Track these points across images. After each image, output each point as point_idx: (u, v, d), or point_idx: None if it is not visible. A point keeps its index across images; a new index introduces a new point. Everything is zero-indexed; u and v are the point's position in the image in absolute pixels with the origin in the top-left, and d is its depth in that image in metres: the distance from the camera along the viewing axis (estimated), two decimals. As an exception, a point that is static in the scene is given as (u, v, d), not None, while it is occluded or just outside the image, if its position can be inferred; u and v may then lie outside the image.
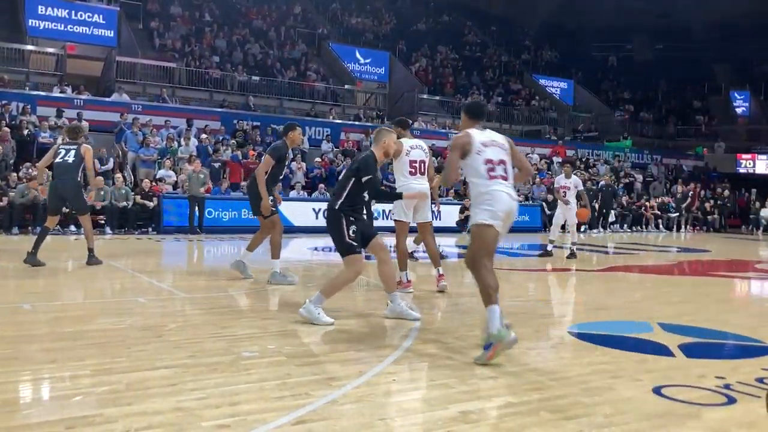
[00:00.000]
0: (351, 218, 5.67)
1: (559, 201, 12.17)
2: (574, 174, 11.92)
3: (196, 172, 15.94)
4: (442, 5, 39.61)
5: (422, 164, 7.41)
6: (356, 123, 25.09)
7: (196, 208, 15.63)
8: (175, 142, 18.79)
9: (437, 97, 30.40)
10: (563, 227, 12.41)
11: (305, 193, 18.97)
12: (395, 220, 7.49)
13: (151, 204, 15.62)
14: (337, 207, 5.70)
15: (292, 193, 18.76)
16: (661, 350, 5.12)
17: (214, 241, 14.22)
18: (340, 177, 6.48)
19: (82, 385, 3.70)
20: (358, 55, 29.46)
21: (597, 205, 21.70)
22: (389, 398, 3.67)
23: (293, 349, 4.69)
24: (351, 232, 5.68)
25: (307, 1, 34.30)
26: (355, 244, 5.72)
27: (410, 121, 8.31)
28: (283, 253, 13.09)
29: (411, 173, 7.37)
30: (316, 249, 13.50)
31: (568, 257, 12.14)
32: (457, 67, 34.12)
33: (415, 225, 7.69)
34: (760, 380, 4.27)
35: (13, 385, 3.74)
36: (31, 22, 22.88)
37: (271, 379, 3.93)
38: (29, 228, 14.26)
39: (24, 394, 3.70)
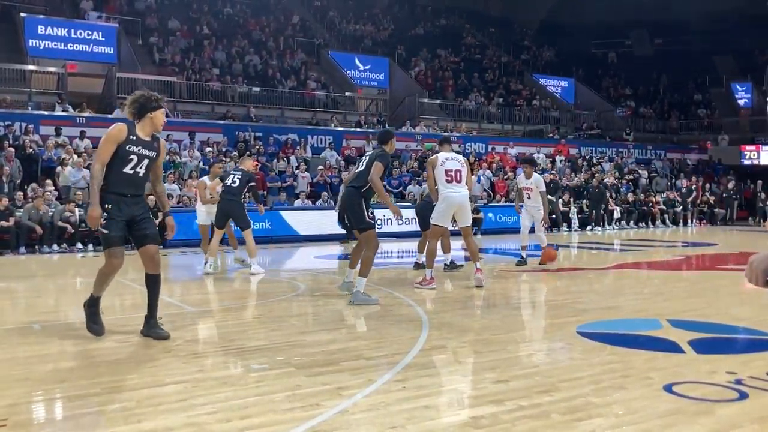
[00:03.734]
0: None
1: (524, 203, 11.18)
2: (536, 173, 11.23)
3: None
4: (439, 8, 39.66)
5: (458, 173, 8.35)
6: (358, 130, 25.12)
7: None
8: (178, 156, 18.85)
9: (438, 101, 30.41)
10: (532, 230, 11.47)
11: (309, 202, 18.99)
12: (434, 224, 8.45)
13: (155, 220, 15.63)
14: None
15: (297, 202, 18.79)
16: (671, 347, 5.10)
17: (219, 254, 14.22)
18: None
19: (93, 404, 3.71)
20: (357, 62, 29.51)
21: (584, 206, 21.66)
22: (400, 406, 3.67)
23: (302, 359, 4.69)
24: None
25: (305, 10, 34.40)
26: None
27: (452, 138, 9.81)
28: (289, 263, 13.14)
29: (447, 181, 8.32)
30: (321, 258, 13.50)
31: (517, 263, 11.15)
32: (457, 69, 34.15)
33: (455, 228, 8.76)
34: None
35: (26, 406, 3.75)
36: (32, 42, 23.01)
37: (280, 390, 3.94)
38: (36, 247, 14.31)
39: (37, 414, 3.71)
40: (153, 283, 5.56)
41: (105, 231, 5.20)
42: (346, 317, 6.45)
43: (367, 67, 29.50)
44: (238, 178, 10.26)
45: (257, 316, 6.60)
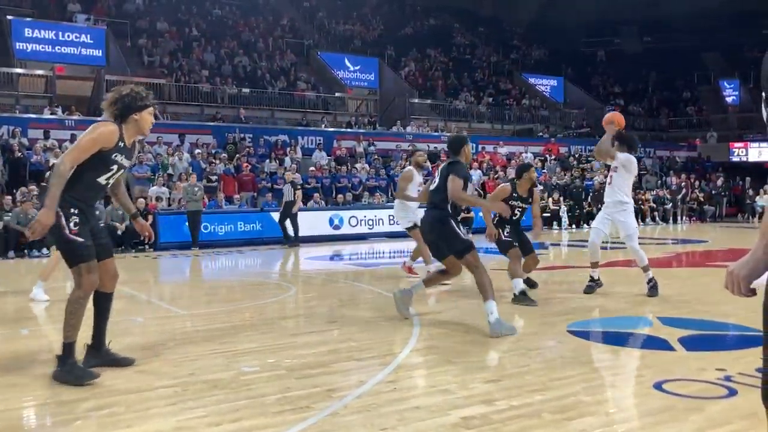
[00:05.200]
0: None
1: None
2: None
3: (191, 186, 15.90)
4: (428, 8, 39.69)
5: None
6: (348, 130, 25.11)
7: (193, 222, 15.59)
8: (168, 158, 18.79)
9: (428, 101, 30.43)
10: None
11: (301, 203, 18.94)
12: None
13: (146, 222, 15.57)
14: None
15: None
16: (662, 344, 5.12)
17: (210, 256, 14.19)
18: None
19: (82, 410, 3.68)
20: (347, 63, 29.49)
21: (565, 205, 21.72)
22: (391, 407, 3.66)
23: (293, 361, 4.68)
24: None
25: (294, 11, 34.34)
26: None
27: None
28: (280, 264, 13.10)
29: None
30: (312, 259, 13.48)
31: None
32: (447, 69, 34.19)
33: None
34: (761, 370, 4.27)
35: (16, 412, 3.72)
36: (19, 45, 22.86)
37: (271, 393, 3.92)
38: (25, 252, 14.21)
39: (25, 421, 3.68)
40: (108, 302, 4.62)
41: (80, 239, 4.23)
42: (337, 318, 6.43)
43: (357, 68, 29.48)
44: None
45: (248, 319, 6.58)
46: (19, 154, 17.10)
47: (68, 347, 4.25)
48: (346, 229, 18.11)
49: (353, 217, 18.38)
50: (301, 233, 16.43)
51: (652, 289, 7.48)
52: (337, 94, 28.46)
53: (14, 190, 15.50)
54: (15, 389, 4.10)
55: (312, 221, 17.70)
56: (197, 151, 19.75)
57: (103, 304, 4.57)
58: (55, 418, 3.63)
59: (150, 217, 15.77)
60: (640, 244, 7.63)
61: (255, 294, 8.57)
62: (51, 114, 20.16)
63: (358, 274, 11.01)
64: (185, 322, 6.50)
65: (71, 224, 4.23)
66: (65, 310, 4.28)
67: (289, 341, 5.37)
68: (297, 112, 26.09)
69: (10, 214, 14.33)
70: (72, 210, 4.25)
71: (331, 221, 18.03)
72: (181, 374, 4.34)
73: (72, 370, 4.21)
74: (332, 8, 35.51)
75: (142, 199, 16.28)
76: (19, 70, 22.62)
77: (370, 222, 18.56)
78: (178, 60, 26.26)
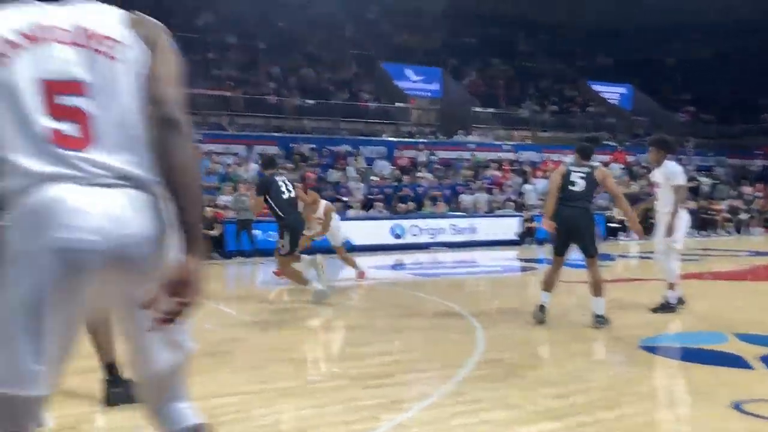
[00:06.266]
0: None
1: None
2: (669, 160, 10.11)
3: (240, 195, 16.30)
4: (490, 18, 39.44)
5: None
6: (410, 140, 25.18)
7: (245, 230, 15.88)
8: (235, 168, 19.24)
9: (491, 110, 30.22)
10: None
11: (363, 212, 19.10)
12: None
13: (214, 232, 15.95)
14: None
15: (350, 212, 18.89)
16: (739, 362, 4.91)
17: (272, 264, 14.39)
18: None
19: (156, 414, 3.78)
20: (409, 73, 29.62)
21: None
22: (457, 420, 3.63)
23: (358, 371, 4.69)
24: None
25: (357, 23, 34.74)
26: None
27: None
28: (343, 273, 13.20)
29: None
30: (376, 268, 13.50)
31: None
32: (510, 77, 33.91)
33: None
34: None
35: (89, 416, 3.86)
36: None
37: (337, 403, 3.95)
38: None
39: (100, 423, 3.81)
40: None
41: None
42: (401, 329, 6.43)
43: (420, 78, 29.56)
44: None
45: (313, 328, 6.64)
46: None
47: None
48: (407, 239, 18.12)
49: (415, 226, 18.37)
50: (362, 242, 16.49)
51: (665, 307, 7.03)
52: (399, 104, 28.59)
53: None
54: (80, 395, 4.24)
55: (373, 230, 17.76)
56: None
57: None
58: (125, 423, 3.73)
59: (218, 227, 16.18)
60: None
61: (319, 302, 8.65)
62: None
63: (420, 284, 11.00)
64: (251, 329, 6.62)
65: None
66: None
67: (353, 351, 5.40)
68: (360, 123, 26.33)
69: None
70: None
71: (392, 230, 18.06)
72: (249, 382, 4.42)
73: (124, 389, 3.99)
74: (394, 20, 35.75)
75: (209, 209, 16.70)
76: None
77: (432, 231, 18.52)
78: (246, 72, 26.92)
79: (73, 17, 1.76)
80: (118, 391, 3.98)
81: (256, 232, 16.52)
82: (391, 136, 25.17)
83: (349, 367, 4.81)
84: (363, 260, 15.10)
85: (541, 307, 6.46)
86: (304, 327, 6.82)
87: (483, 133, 27.38)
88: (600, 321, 6.22)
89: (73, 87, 1.72)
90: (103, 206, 1.67)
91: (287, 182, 8.66)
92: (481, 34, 37.97)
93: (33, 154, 1.66)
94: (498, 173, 22.77)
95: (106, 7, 1.83)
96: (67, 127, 1.69)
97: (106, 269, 1.67)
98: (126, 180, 1.73)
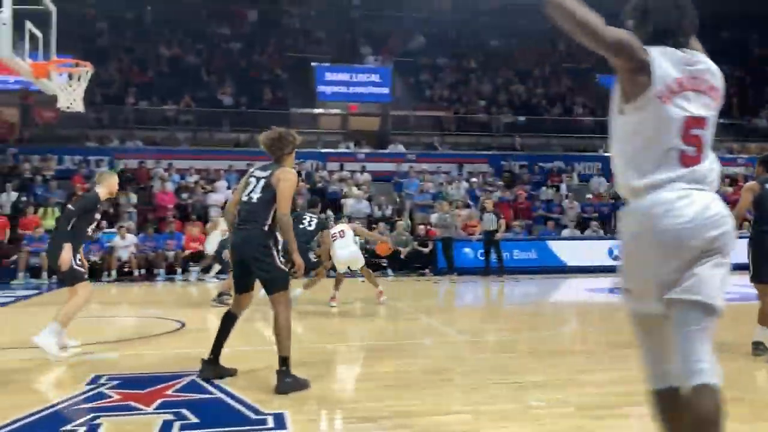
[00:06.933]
0: None
1: None
2: None
3: (443, 214, 16.50)
4: (720, 20, 36.24)
5: None
6: (628, 155, 23.87)
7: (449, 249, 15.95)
8: (446, 187, 19.61)
9: (721, 120, 27.66)
10: None
11: (578, 231, 18.43)
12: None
13: (426, 250, 16.36)
14: None
15: (565, 232, 18.36)
16: None
17: (483, 283, 14.40)
18: None
19: (384, 427, 3.95)
20: (627, 84, 28.18)
21: None
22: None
23: (581, 399, 4.50)
24: None
25: (571, 36, 33.85)
26: None
27: None
28: (557, 295, 12.83)
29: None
30: (592, 291, 12.94)
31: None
32: (743, 85, 30.84)
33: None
34: None
35: (313, 424, 4.13)
36: (320, 88, 25.77)
37: (563, 431, 3.83)
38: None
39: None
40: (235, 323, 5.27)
41: (285, 269, 4.96)
42: (627, 357, 6.07)
43: (638, 89, 27.99)
44: None
45: (531, 350, 6.52)
46: (320, 184, 19.19)
47: (287, 360, 4.72)
48: (626, 260, 17.14)
49: (635, 247, 17.34)
50: (575, 263, 15.94)
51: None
52: (615, 118, 27.28)
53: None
54: (314, 402, 4.53)
55: (588, 251, 17.10)
56: (473, 179, 20.32)
57: (232, 324, 5.10)
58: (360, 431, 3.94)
59: (430, 244, 16.58)
60: None
61: (533, 324, 8.51)
62: (345, 148, 22.36)
63: (643, 308, 10.33)
64: (469, 348, 6.67)
65: (280, 256, 4.91)
66: (280, 332, 4.72)
67: (575, 377, 5.20)
68: (573, 138, 25.55)
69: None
70: (279, 245, 4.98)
71: (610, 252, 17.22)
72: (470, 401, 4.44)
73: (297, 379, 4.71)
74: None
75: (423, 226, 17.19)
76: (319, 111, 25.48)
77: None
78: (457, 92, 27.40)
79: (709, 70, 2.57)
80: (289, 381, 4.62)
81: (467, 251, 16.69)
82: (607, 151, 24.07)
83: (572, 394, 4.63)
84: (578, 282, 14.60)
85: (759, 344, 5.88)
86: (520, 348, 6.72)
87: (713, 146, 25.14)
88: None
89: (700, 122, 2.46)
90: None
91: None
92: (711, 36, 34.98)
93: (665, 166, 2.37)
94: (730, 189, 20.75)
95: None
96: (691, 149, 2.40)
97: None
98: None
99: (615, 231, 18.35)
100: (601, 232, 18.35)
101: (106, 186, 6.24)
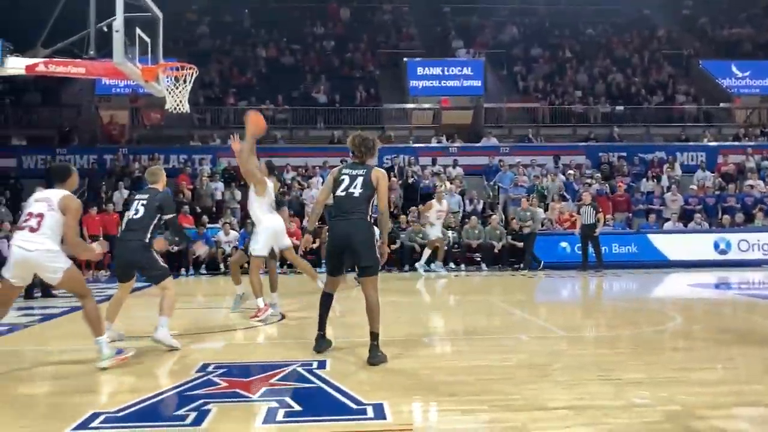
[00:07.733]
0: None
1: None
2: None
3: (523, 211, 16.29)
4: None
5: None
6: (736, 144, 22.65)
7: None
8: (542, 180, 19.23)
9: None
10: None
11: (681, 224, 17.68)
12: None
13: (520, 244, 16.13)
14: None
15: (667, 225, 17.66)
16: None
17: (582, 277, 14.07)
18: None
19: (483, 420, 3.97)
20: (734, 69, 26.70)
21: None
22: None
23: (686, 398, 4.35)
24: None
25: (671, 21, 32.41)
26: None
27: None
28: (659, 290, 12.38)
29: None
30: (695, 286, 12.40)
31: None
32: None
33: None
34: None
35: (412, 415, 4.20)
36: (412, 83, 25.85)
37: (670, 430, 3.73)
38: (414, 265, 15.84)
39: (428, 423, 4.12)
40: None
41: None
42: (733, 356, 5.83)
43: (746, 74, 26.48)
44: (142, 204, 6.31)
45: (633, 347, 6.35)
46: (412, 179, 19.28)
47: (377, 336, 5.45)
48: (734, 254, 16.34)
49: (743, 240, 16.51)
50: (678, 257, 15.31)
51: None
52: (721, 105, 25.93)
53: (407, 211, 17.43)
54: (420, 391, 4.60)
55: (693, 244, 16.44)
56: (569, 171, 19.85)
57: (330, 302, 5.80)
58: (458, 426, 3.97)
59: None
60: None
61: (635, 320, 8.26)
62: (437, 142, 22.33)
63: (751, 305, 9.84)
64: (568, 343, 6.56)
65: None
66: (372, 311, 5.42)
67: (680, 375, 5.03)
68: (675, 127, 24.47)
69: (404, 233, 16.24)
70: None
71: (716, 245, 16.44)
72: (570, 397, 4.38)
73: (384, 355, 5.41)
74: (715, 13, 32.53)
75: (515, 221, 16.96)
76: (411, 106, 25.57)
77: (766, 247, 16.44)
78: (552, 83, 26.83)
79: None
80: (380, 354, 5.37)
81: (564, 245, 16.38)
82: (712, 141, 22.93)
83: (677, 393, 4.48)
84: (680, 276, 14.01)
85: None
86: (621, 345, 6.55)
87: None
88: None
89: None
90: None
91: None
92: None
93: None
94: None
95: None
96: None
97: None
98: None
99: (720, 224, 17.58)
100: (706, 225, 17.55)
101: (163, 181, 6.58)
